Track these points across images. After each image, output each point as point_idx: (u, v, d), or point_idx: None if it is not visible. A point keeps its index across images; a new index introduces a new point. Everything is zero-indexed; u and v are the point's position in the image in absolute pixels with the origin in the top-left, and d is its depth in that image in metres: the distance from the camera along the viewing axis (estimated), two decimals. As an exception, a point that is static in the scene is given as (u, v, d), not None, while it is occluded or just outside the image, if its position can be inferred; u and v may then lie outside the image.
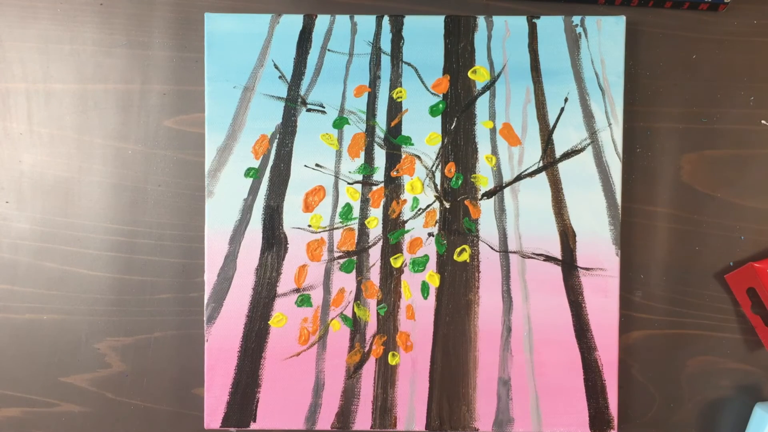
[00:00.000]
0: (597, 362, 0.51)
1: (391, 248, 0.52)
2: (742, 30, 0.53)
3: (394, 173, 0.52)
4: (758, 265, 0.50)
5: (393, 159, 0.52)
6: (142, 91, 0.54)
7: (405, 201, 0.52)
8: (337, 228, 0.52)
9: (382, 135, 0.52)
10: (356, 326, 0.52)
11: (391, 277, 0.52)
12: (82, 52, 0.54)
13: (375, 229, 0.52)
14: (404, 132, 0.52)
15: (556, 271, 0.51)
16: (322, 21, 0.52)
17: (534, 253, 0.51)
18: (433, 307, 0.51)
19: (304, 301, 0.51)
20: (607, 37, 0.51)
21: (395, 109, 0.52)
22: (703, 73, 0.53)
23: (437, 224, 0.51)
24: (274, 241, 0.51)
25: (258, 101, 0.51)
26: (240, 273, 0.51)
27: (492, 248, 0.51)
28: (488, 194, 0.51)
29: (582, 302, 0.51)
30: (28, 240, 0.54)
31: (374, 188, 0.52)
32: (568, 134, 0.51)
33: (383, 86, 0.52)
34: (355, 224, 0.52)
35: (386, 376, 0.51)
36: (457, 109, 0.52)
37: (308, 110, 0.52)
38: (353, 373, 0.51)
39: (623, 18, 0.51)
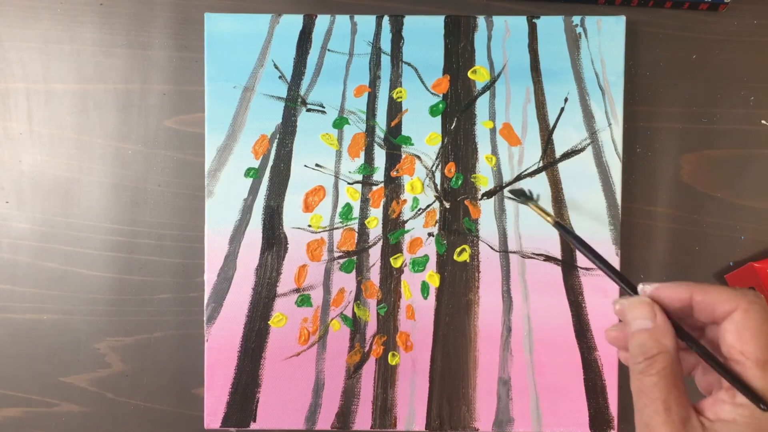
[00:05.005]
0: (597, 362, 0.51)
1: (391, 248, 0.52)
2: (742, 30, 0.53)
3: (394, 173, 0.52)
4: (758, 265, 0.50)
5: (393, 159, 0.52)
6: (142, 91, 0.54)
7: (405, 201, 0.52)
8: (337, 228, 0.52)
9: (382, 135, 0.52)
10: (356, 326, 0.52)
11: (391, 277, 0.51)
12: (82, 52, 0.54)
13: (375, 229, 0.52)
14: (404, 132, 0.52)
15: (556, 271, 0.51)
16: (322, 21, 0.52)
17: (534, 253, 0.51)
18: (433, 307, 0.51)
19: (304, 301, 0.51)
20: (607, 37, 0.51)
21: (395, 109, 0.52)
22: (703, 73, 0.53)
23: (437, 224, 0.51)
24: (274, 241, 0.51)
25: (258, 101, 0.51)
26: (240, 273, 0.51)
27: (492, 248, 0.51)
28: (488, 194, 0.51)
29: (582, 302, 0.51)
30: (28, 240, 0.54)
31: (374, 188, 0.52)
32: (568, 134, 0.51)
33: (383, 86, 0.52)
34: (355, 224, 0.52)
35: (386, 376, 0.51)
36: (457, 109, 0.52)
37: (308, 110, 0.52)
38: (353, 373, 0.51)
39: (623, 18, 0.51)
